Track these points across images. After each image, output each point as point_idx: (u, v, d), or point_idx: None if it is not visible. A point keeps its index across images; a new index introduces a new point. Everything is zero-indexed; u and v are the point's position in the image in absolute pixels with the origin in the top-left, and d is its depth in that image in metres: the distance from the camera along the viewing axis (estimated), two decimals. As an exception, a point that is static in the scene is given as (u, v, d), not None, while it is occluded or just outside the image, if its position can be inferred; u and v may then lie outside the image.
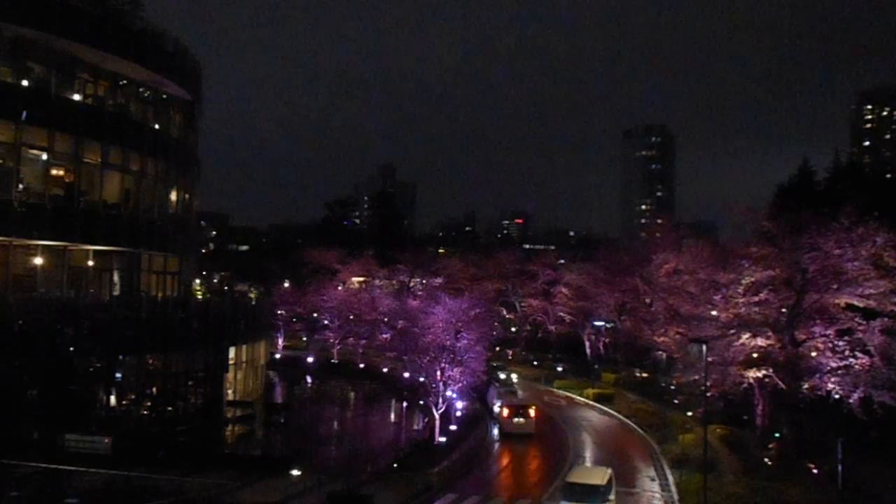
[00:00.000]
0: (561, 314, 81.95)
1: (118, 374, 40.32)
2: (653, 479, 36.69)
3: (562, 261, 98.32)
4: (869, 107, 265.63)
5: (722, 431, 43.45)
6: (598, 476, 30.89)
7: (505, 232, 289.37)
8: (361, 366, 76.30)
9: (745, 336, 40.39)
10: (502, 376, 65.78)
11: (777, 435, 41.21)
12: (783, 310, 41.02)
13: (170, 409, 42.90)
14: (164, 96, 48.42)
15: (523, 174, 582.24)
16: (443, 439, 41.03)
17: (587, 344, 79.54)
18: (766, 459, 37.81)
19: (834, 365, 38.18)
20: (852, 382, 37.19)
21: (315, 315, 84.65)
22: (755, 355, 40.39)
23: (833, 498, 30.94)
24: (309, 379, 74.12)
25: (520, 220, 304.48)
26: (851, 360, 37.63)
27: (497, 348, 72.43)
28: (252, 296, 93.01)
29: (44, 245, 39.35)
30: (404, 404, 58.35)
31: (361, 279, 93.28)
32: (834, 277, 39.09)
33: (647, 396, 59.10)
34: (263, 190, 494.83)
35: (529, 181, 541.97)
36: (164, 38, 46.61)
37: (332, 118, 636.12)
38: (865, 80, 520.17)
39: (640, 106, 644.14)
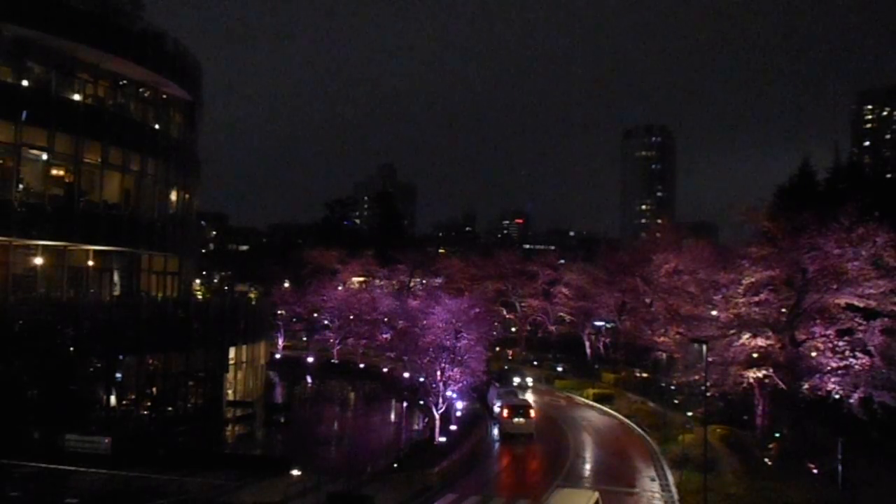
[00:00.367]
0: (561, 314, 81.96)
1: (118, 375, 40.32)
2: (653, 480, 36.66)
3: (562, 261, 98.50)
4: (869, 107, 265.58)
5: (722, 431, 43.43)
6: (583, 501, 26.85)
7: (505, 232, 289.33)
8: (361, 366, 76.32)
9: (746, 336, 40.39)
10: (516, 381, 65.33)
11: (777, 435, 41.20)
12: (783, 310, 41.02)
13: (170, 409, 42.92)
14: (164, 96, 48.43)
15: (523, 174, 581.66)
16: (443, 439, 41.03)
17: (587, 344, 79.57)
18: (766, 459, 37.82)
19: (834, 365, 38.17)
20: (852, 382, 37.19)
21: (315, 315, 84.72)
22: (755, 355, 40.39)
23: (833, 498, 30.90)
24: (309, 379, 74.13)
25: (520, 220, 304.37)
26: (851, 360, 37.63)
27: (497, 348, 72.40)
28: (252, 296, 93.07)
29: (44, 245, 39.33)
30: (404, 404, 58.30)
31: (361, 279, 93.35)
32: (834, 277, 39.07)
33: (647, 396, 59.07)
34: (263, 190, 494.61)
35: (530, 181, 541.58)
36: (164, 39, 46.64)
37: (332, 118, 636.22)
38: (866, 80, 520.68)
39: (640, 106, 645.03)
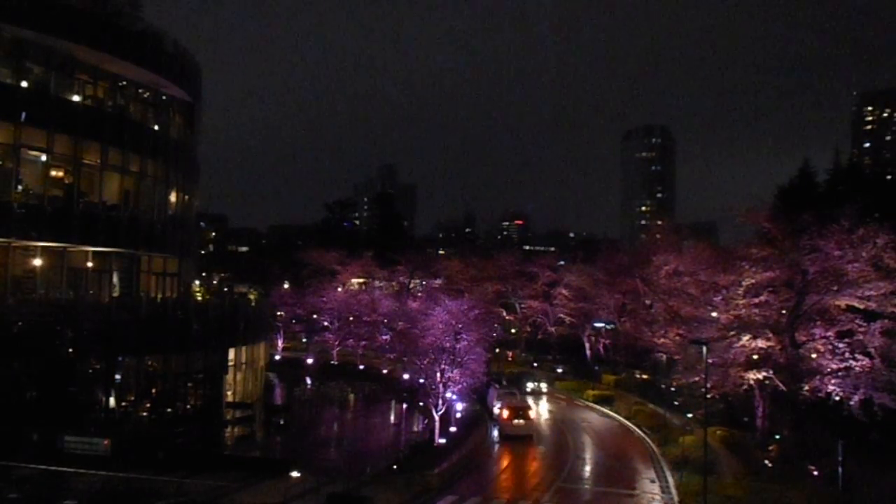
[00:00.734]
0: (561, 315, 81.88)
1: (117, 376, 40.22)
2: (653, 481, 36.62)
3: (562, 262, 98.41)
4: (870, 108, 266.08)
5: (722, 433, 43.39)
6: None
7: (505, 233, 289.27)
8: (361, 367, 76.25)
9: (746, 338, 40.36)
10: (529, 386, 65.04)
11: (777, 437, 41.17)
12: (783, 311, 40.98)
13: (169, 410, 42.80)
14: (164, 97, 48.38)
15: (523, 175, 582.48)
16: (442, 441, 40.99)
17: (587, 345, 79.51)
18: (766, 461, 37.78)
19: (834, 367, 38.15)
20: (853, 384, 37.15)
21: (315, 316, 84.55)
22: (755, 357, 40.36)
23: (833, 500, 30.89)
24: (308, 380, 73.99)
25: (520, 222, 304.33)
26: (852, 361, 37.61)
27: (497, 350, 72.33)
28: (251, 297, 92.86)
29: (43, 246, 39.29)
30: (404, 406, 58.26)
31: (361, 280, 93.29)
32: (834, 279, 39.04)
33: (647, 398, 59.04)
34: (263, 190, 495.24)
35: (529, 182, 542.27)
36: (164, 39, 46.59)
37: (332, 119, 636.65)
38: (866, 82, 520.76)
39: (640, 106, 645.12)
